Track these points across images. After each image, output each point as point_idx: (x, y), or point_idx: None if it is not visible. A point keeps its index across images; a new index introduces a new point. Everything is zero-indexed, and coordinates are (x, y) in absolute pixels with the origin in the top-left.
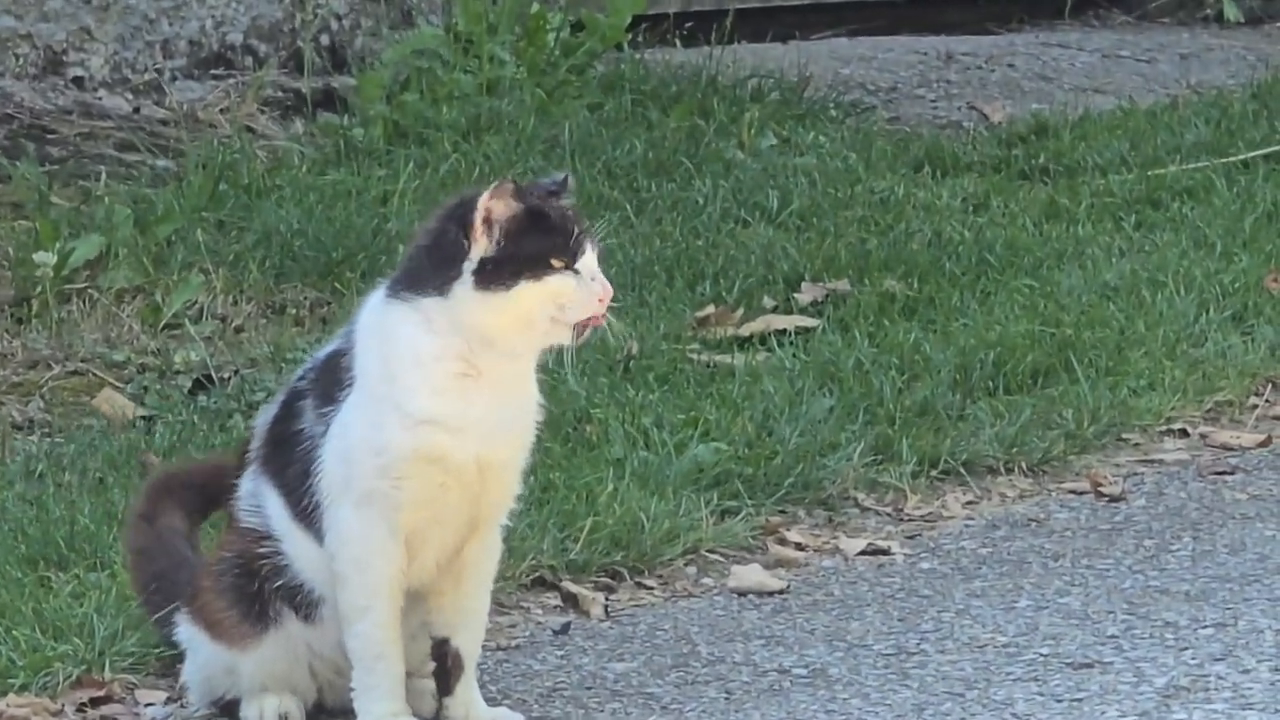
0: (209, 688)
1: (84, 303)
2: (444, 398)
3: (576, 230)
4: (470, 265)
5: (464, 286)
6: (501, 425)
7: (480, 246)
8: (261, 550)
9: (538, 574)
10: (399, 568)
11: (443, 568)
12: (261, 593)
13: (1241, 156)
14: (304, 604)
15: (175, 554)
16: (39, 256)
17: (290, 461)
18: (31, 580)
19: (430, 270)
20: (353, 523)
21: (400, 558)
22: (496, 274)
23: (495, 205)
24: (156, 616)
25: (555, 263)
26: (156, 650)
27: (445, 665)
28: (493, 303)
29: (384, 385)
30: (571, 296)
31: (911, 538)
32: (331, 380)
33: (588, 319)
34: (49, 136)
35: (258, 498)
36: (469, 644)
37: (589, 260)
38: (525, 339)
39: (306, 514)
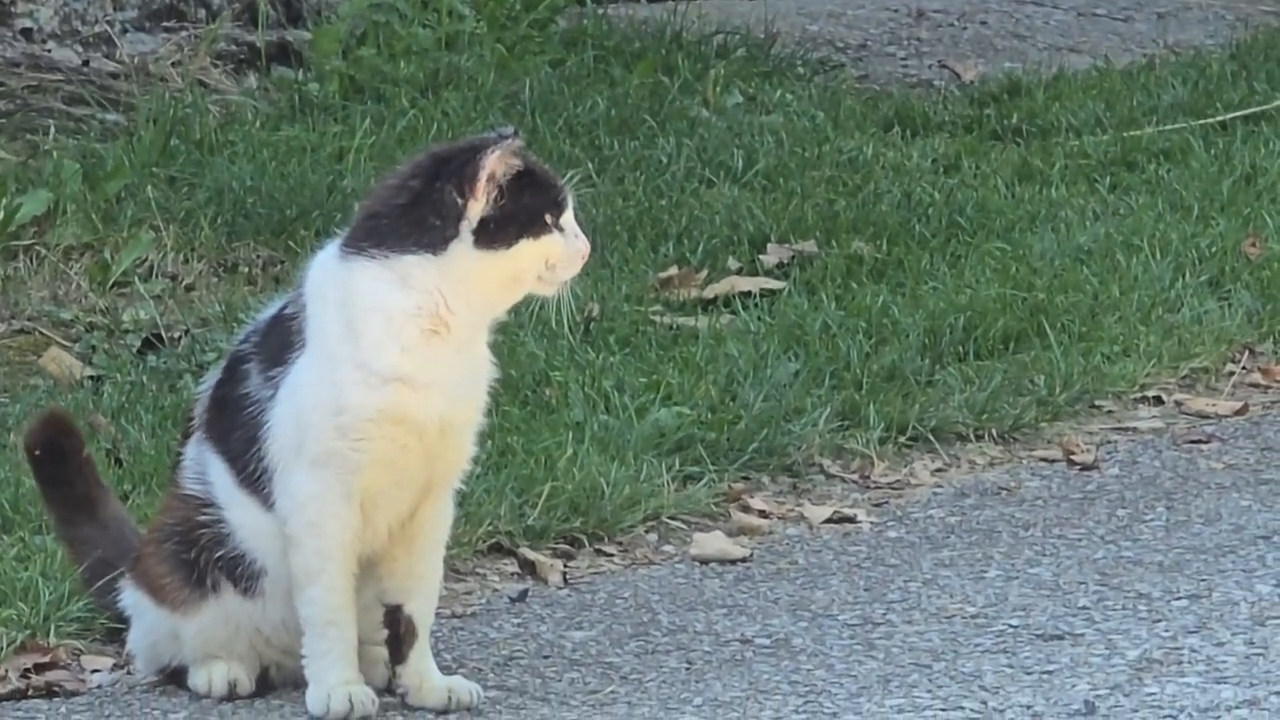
0: (154, 654)
1: (31, 260)
2: (412, 355)
3: (560, 186)
4: (469, 225)
5: (463, 245)
6: (464, 385)
7: (479, 205)
8: (203, 519)
9: (495, 540)
10: (354, 532)
11: (395, 533)
12: (199, 561)
13: (1219, 118)
14: (244, 576)
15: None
16: None
17: (234, 427)
18: None
19: (414, 228)
20: (306, 485)
21: (355, 521)
22: (499, 233)
23: (500, 163)
24: (97, 586)
25: (548, 220)
26: (103, 617)
27: (398, 632)
28: (492, 261)
29: (345, 344)
30: (561, 254)
31: (878, 505)
32: (279, 342)
33: (566, 279)
34: None
35: (201, 465)
36: (422, 610)
37: (569, 217)
38: (512, 296)
39: (253, 480)
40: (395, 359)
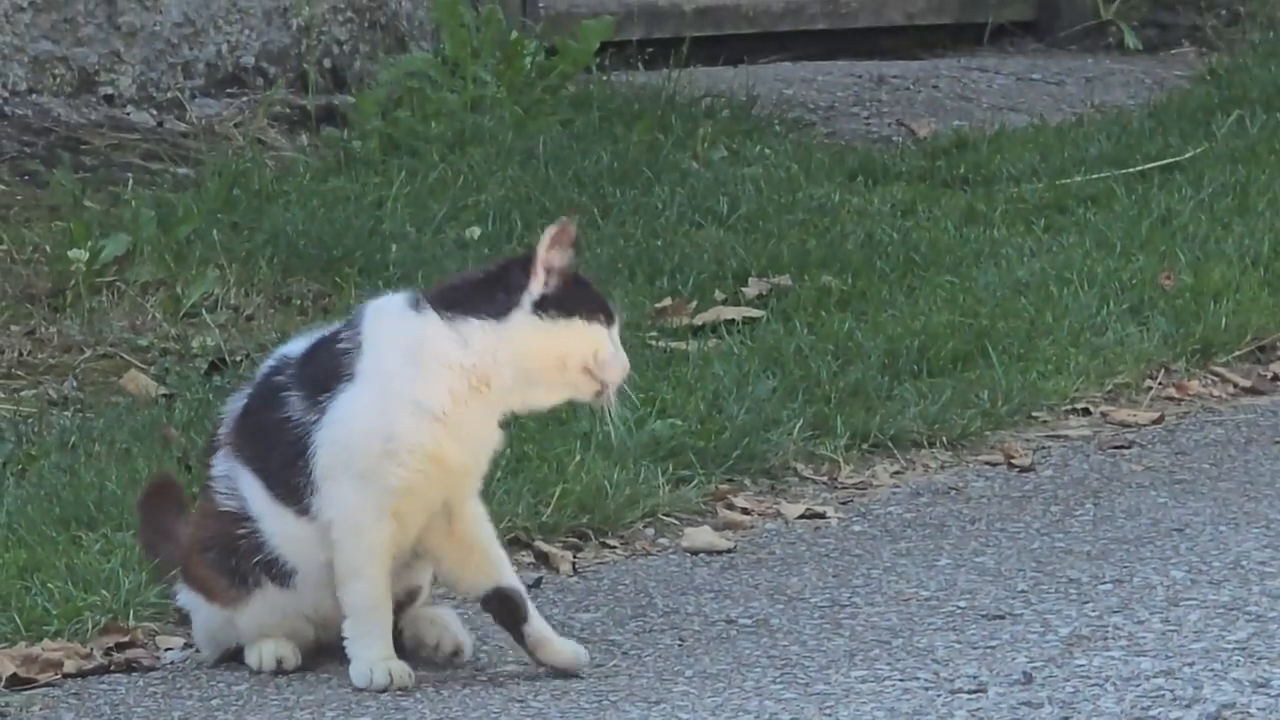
0: (215, 640)
1: (112, 294)
2: (458, 404)
3: (611, 304)
4: (530, 297)
5: (522, 312)
6: (486, 440)
7: (539, 281)
8: (240, 531)
9: (513, 534)
10: (390, 535)
11: (447, 543)
12: (239, 566)
13: (1139, 168)
14: (279, 574)
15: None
16: (73, 253)
17: (271, 447)
18: (64, 539)
19: (483, 299)
20: (351, 496)
21: (390, 527)
22: (556, 308)
23: (559, 238)
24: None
25: (601, 317)
26: (175, 602)
27: (507, 609)
28: (546, 331)
29: (405, 383)
30: (608, 351)
31: (845, 503)
32: (323, 372)
33: (607, 383)
34: (82, 147)
35: (232, 480)
36: (511, 582)
37: (616, 333)
38: (557, 378)
39: (288, 493)
40: (446, 403)
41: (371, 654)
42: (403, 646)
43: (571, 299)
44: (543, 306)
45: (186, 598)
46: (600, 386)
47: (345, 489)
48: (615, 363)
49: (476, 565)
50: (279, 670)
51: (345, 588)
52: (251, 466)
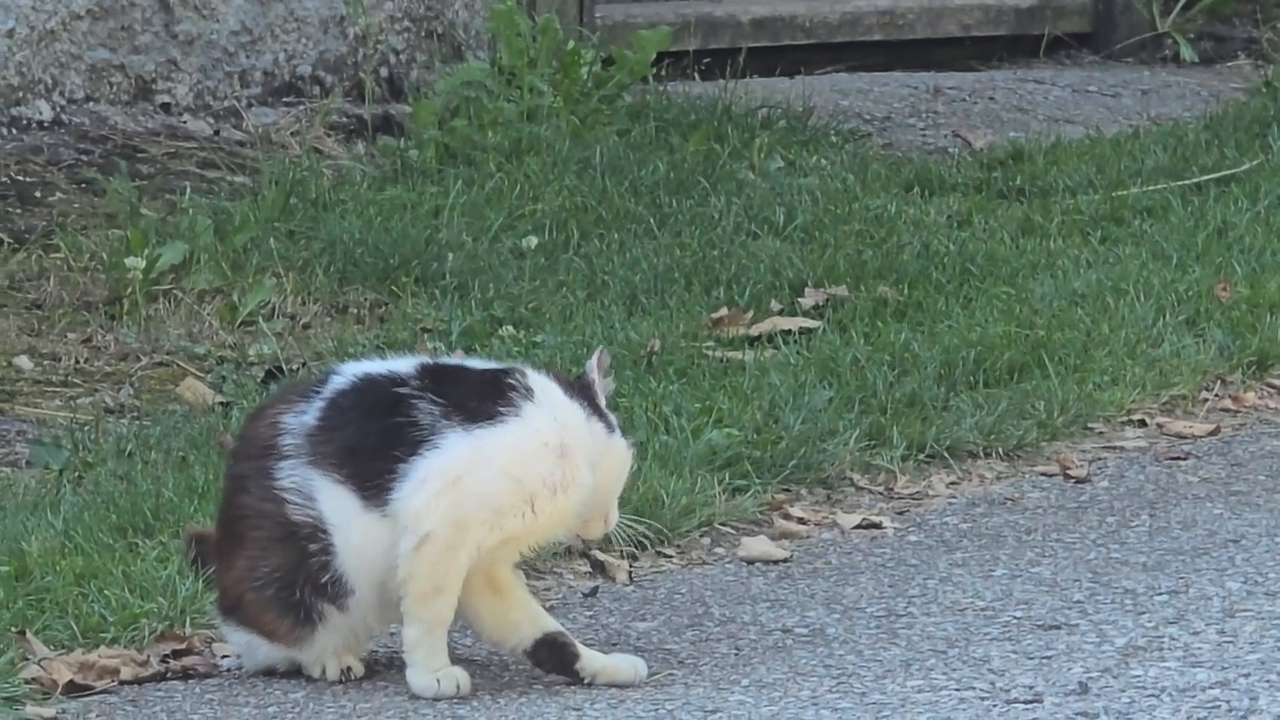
0: (270, 667)
1: (169, 302)
2: (583, 486)
3: None
4: (617, 422)
5: (615, 436)
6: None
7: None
8: (312, 548)
9: (569, 544)
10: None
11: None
12: (304, 600)
13: (1195, 180)
14: (339, 595)
15: None
16: (130, 261)
17: (373, 451)
18: (121, 546)
19: (591, 412)
20: (468, 514)
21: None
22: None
23: (607, 383)
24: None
25: None
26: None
27: (559, 651)
28: (620, 456)
29: (571, 443)
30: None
31: (901, 514)
32: (478, 394)
33: (588, 526)
34: (139, 156)
35: (307, 491)
36: (551, 625)
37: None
38: (602, 505)
39: (380, 491)
40: (587, 477)
41: (434, 663)
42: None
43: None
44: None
45: (240, 638)
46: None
47: (466, 507)
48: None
49: (517, 617)
50: (343, 679)
51: (423, 602)
52: (338, 474)
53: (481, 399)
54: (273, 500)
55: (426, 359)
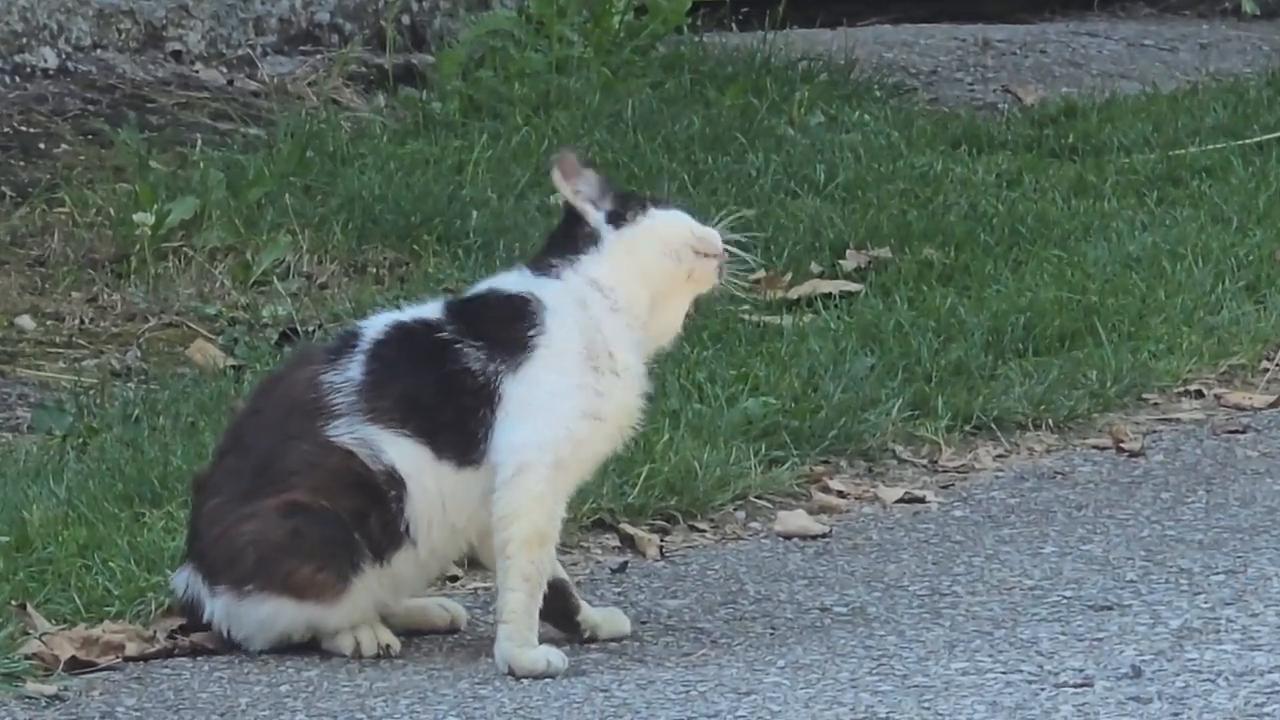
0: (279, 639)
1: (179, 260)
2: (630, 352)
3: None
4: (600, 221)
5: (608, 236)
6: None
7: (591, 210)
8: (390, 494)
9: (597, 516)
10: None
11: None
12: (351, 543)
13: (1257, 139)
14: (397, 546)
15: None
16: (138, 217)
17: (439, 404)
18: (127, 516)
19: (570, 249)
20: (550, 464)
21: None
22: (624, 215)
23: (574, 183)
24: None
25: (658, 200)
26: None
27: (562, 596)
28: (638, 233)
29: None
30: (695, 222)
31: (945, 488)
32: (508, 329)
33: (718, 252)
34: (149, 106)
35: (371, 446)
36: (558, 568)
37: None
38: (679, 272)
39: (461, 446)
40: (630, 359)
41: (534, 638)
42: (392, 629)
43: (629, 201)
44: (615, 220)
45: (263, 609)
46: (716, 259)
47: (562, 449)
48: (709, 229)
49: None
50: (381, 656)
51: (529, 556)
52: (403, 428)
53: (510, 330)
54: (333, 453)
55: (450, 298)
